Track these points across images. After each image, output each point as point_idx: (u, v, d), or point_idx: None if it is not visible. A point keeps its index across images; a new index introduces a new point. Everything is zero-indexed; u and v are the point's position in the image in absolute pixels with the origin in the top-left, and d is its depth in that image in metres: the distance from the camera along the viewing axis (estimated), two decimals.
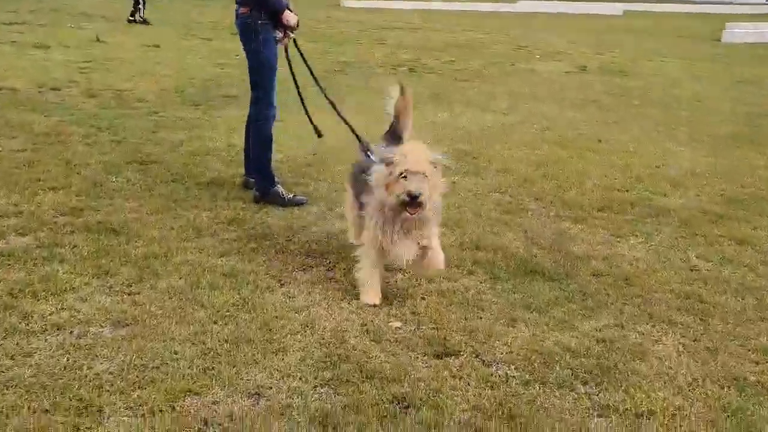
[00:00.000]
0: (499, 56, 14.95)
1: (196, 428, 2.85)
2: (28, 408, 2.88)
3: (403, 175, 3.67)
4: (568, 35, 18.73)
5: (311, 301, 3.96)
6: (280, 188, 5.43)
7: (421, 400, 3.12)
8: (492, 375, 3.36)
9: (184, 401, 3.00)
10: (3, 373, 3.10)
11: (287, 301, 3.94)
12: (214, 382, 3.15)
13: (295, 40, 5.27)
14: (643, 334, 3.83)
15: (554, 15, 31.56)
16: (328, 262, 4.49)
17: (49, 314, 3.60)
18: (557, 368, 3.44)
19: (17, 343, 3.33)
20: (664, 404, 3.20)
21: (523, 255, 4.75)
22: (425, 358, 3.48)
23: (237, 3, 5.19)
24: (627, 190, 6.30)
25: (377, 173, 3.88)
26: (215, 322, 3.65)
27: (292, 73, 5.27)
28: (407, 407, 3.08)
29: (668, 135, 8.58)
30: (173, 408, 2.96)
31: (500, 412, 3.07)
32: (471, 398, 3.17)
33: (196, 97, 9.13)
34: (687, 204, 6.00)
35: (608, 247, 4.99)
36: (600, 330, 3.83)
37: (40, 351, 3.29)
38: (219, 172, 6.06)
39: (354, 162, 4.52)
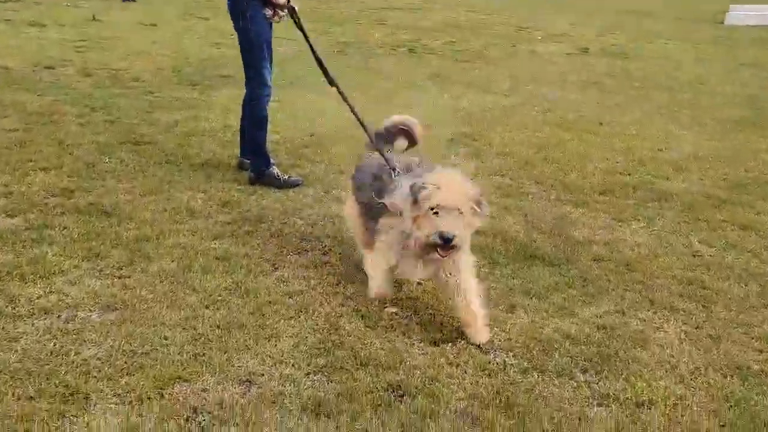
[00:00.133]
0: (500, 37, 14.77)
1: (185, 416, 2.78)
2: (13, 395, 2.81)
3: (434, 210, 3.20)
4: (570, 16, 18.50)
5: (306, 285, 3.88)
6: (275, 169, 5.34)
7: (416, 388, 3.06)
8: (489, 363, 3.29)
9: (173, 388, 2.93)
10: None
11: (281, 285, 3.86)
12: (204, 368, 3.08)
13: (300, 24, 4.99)
14: (645, 321, 3.76)
15: None
16: (323, 245, 4.40)
17: (37, 298, 3.52)
18: (556, 356, 3.37)
19: (3, 328, 3.25)
20: (666, 393, 3.13)
21: (523, 239, 4.66)
22: (421, 344, 3.41)
23: None
24: (629, 174, 6.20)
25: (402, 199, 3.34)
26: (207, 307, 3.57)
27: (306, 37, 4.82)
28: (402, 395, 3.02)
29: (671, 118, 8.47)
30: (162, 395, 2.89)
31: (497, 401, 3.01)
32: (468, 386, 3.11)
33: (192, 77, 8.98)
34: (690, 188, 5.91)
35: (609, 232, 4.90)
36: (600, 317, 3.76)
37: (26, 336, 3.21)
38: (214, 153, 5.96)
39: (357, 164, 4.08)
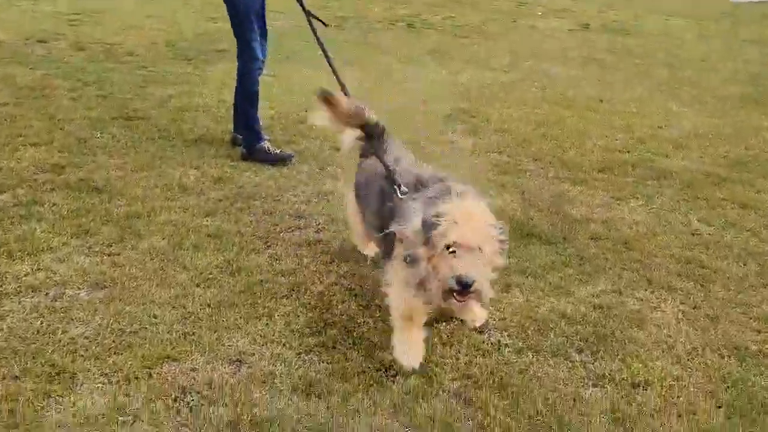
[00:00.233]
0: (500, 12, 14.60)
1: (173, 396, 2.74)
2: None
3: (451, 249, 2.74)
4: None
5: (298, 264, 3.82)
6: (266, 144, 5.26)
7: None
8: (483, 342, 3.24)
9: (161, 368, 2.89)
10: None
11: (273, 263, 3.80)
12: (193, 348, 3.03)
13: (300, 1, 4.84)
14: (642, 300, 3.71)
15: None
16: (317, 223, 4.33)
17: (24, 275, 3.46)
18: (552, 336, 3.32)
19: None
20: (662, 374, 3.09)
21: (520, 217, 4.59)
22: None
23: None
24: (628, 151, 6.12)
25: (413, 232, 2.87)
26: (197, 285, 3.51)
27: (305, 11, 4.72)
28: (395, 375, 2.97)
29: (671, 95, 8.37)
30: (150, 375, 2.84)
31: (491, 381, 2.96)
32: (461, 366, 3.06)
33: (187, 51, 8.85)
34: (689, 166, 5.83)
35: (607, 210, 4.84)
36: (597, 296, 3.71)
37: (12, 314, 3.15)
38: (208, 129, 5.87)
39: (357, 168, 3.72)
